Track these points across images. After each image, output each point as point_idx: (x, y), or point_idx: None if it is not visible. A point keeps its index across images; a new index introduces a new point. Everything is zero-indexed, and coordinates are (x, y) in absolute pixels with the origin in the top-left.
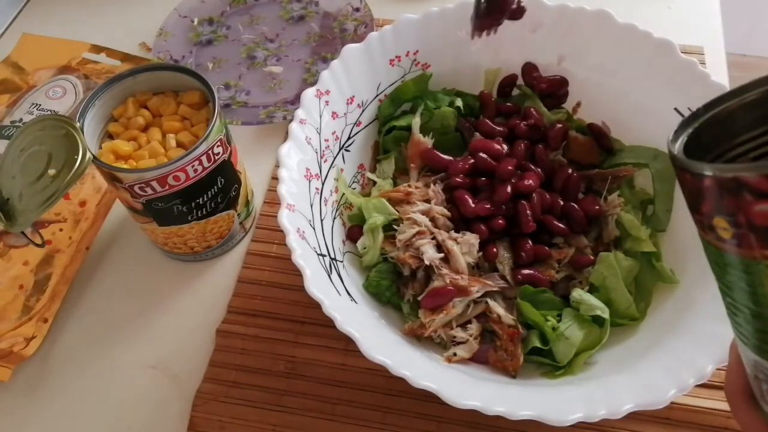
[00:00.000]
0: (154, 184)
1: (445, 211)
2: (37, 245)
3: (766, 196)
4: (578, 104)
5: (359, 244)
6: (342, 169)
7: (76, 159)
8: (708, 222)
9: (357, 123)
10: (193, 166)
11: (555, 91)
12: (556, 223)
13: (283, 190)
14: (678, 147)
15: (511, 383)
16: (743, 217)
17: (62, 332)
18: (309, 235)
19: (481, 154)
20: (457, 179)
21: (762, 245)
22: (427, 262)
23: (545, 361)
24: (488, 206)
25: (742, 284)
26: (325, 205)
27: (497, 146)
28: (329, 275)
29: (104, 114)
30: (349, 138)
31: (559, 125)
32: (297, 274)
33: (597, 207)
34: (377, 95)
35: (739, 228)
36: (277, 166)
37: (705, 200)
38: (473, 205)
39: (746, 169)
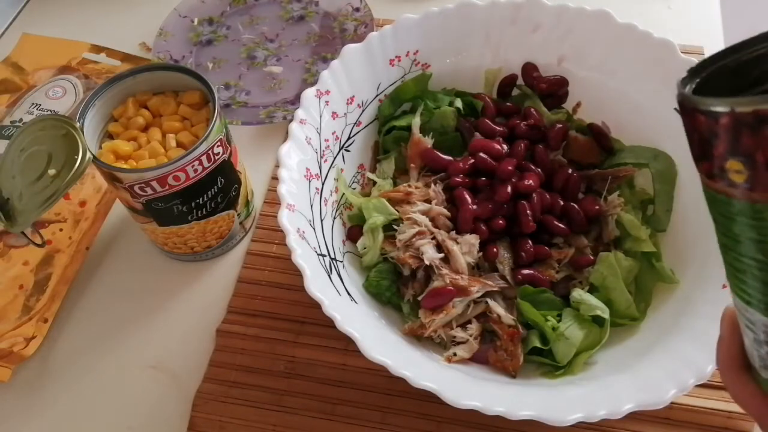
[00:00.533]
0: (154, 184)
1: (445, 211)
2: (37, 245)
3: None
4: (578, 104)
5: (359, 244)
6: (342, 169)
7: (76, 159)
8: (720, 166)
9: (357, 123)
10: (193, 166)
11: (555, 91)
12: (556, 223)
13: (283, 190)
14: (687, 90)
15: (511, 383)
16: (762, 155)
17: (62, 332)
18: (309, 235)
19: (481, 154)
20: (457, 179)
21: None
22: (427, 262)
23: (545, 361)
24: (489, 206)
25: (752, 233)
26: (325, 205)
27: (497, 146)
28: (329, 275)
29: (104, 114)
30: (349, 138)
31: (559, 125)
32: (297, 274)
33: (597, 207)
34: (377, 95)
35: (755, 169)
36: (277, 166)
37: (719, 142)
38: (473, 207)
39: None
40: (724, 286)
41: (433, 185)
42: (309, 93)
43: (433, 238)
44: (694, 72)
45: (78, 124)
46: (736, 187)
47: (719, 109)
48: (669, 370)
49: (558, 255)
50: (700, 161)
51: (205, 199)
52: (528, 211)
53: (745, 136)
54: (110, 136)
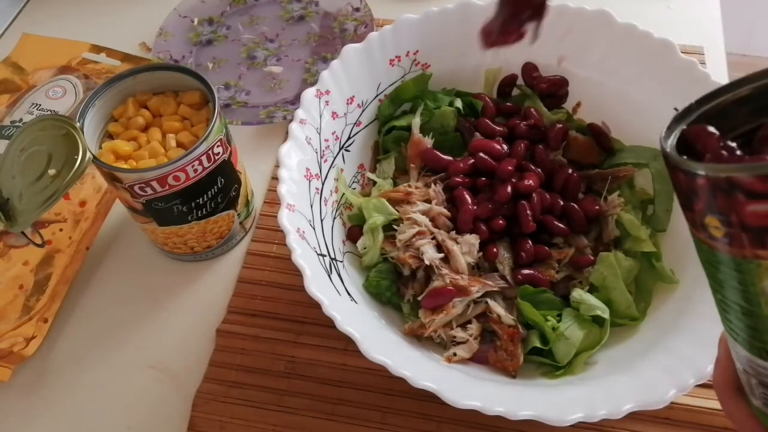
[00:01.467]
0: (154, 184)
1: (445, 211)
2: (37, 245)
3: (759, 196)
4: (578, 104)
5: (359, 244)
6: (342, 169)
7: (76, 159)
8: (700, 220)
9: (357, 123)
10: (193, 166)
11: (555, 91)
12: (556, 223)
13: (283, 190)
14: (671, 143)
15: (511, 383)
16: (735, 217)
17: (62, 332)
18: (309, 235)
19: (481, 154)
20: (457, 179)
21: (754, 245)
22: (427, 262)
23: (545, 361)
24: (489, 206)
25: (734, 282)
26: (325, 205)
27: (497, 146)
28: (329, 275)
29: (104, 114)
30: (349, 138)
31: (559, 125)
32: (297, 274)
33: (597, 207)
34: (377, 95)
35: (731, 227)
36: (277, 166)
37: (697, 199)
38: (473, 207)
39: (739, 170)
40: None
41: (433, 185)
42: (309, 93)
43: (433, 238)
44: (679, 118)
45: (78, 124)
46: (717, 240)
47: (697, 171)
48: (669, 370)
49: (558, 255)
50: (685, 211)
51: (205, 199)
52: (528, 211)
53: (720, 198)
54: (110, 136)
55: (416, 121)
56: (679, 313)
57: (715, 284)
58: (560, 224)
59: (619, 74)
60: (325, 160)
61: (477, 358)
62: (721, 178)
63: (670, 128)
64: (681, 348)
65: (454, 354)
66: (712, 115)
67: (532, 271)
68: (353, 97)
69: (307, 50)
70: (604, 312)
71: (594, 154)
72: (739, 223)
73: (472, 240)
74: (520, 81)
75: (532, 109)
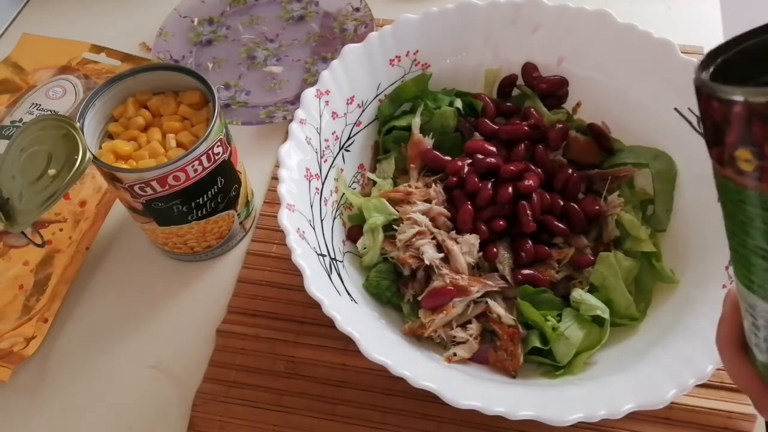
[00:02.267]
0: (154, 184)
1: (445, 211)
2: (37, 245)
3: None
4: (578, 104)
5: (359, 244)
6: (342, 169)
7: (76, 159)
8: (729, 153)
9: (357, 123)
10: (193, 166)
11: (555, 91)
12: (556, 223)
13: (283, 190)
14: (705, 76)
15: (511, 383)
16: None
17: (62, 332)
18: (309, 235)
19: (478, 155)
20: (455, 179)
21: None
22: (427, 262)
23: (545, 361)
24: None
25: (759, 222)
26: (325, 205)
27: (491, 147)
28: (329, 275)
29: (104, 114)
30: (349, 138)
31: (559, 125)
32: (297, 274)
33: (597, 207)
34: (377, 95)
35: (764, 160)
36: (277, 166)
37: (730, 129)
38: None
39: None
40: (723, 286)
41: (433, 185)
42: (309, 93)
43: (433, 238)
44: (713, 55)
45: (78, 124)
46: (745, 175)
47: (733, 97)
48: (669, 370)
49: (558, 255)
50: (712, 147)
51: (205, 199)
52: (528, 211)
53: (757, 126)
54: (110, 136)
55: (416, 121)
56: (679, 313)
57: (735, 227)
58: (560, 224)
59: (619, 74)
60: (325, 160)
61: (477, 358)
62: (761, 102)
63: (704, 63)
64: (681, 348)
65: (454, 354)
66: (749, 53)
67: (532, 271)
68: (353, 97)
69: (307, 50)
70: (604, 312)
71: (594, 154)
72: None
73: (472, 240)
74: (520, 81)
75: (532, 109)
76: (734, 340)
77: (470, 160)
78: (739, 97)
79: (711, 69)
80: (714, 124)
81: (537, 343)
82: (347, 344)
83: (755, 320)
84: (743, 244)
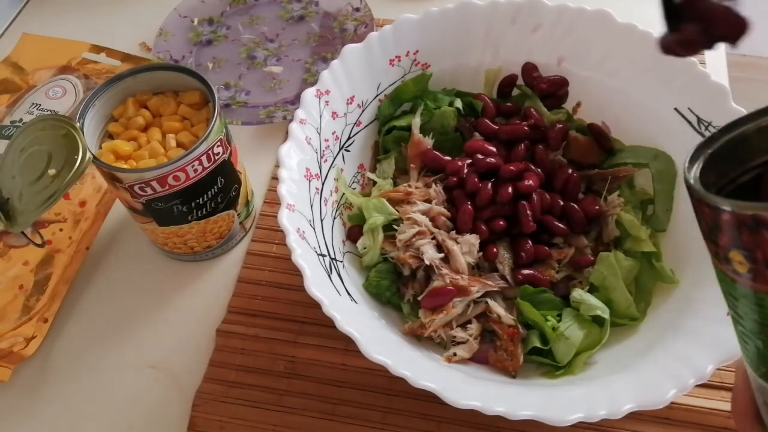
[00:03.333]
0: (154, 184)
1: (445, 211)
2: (37, 245)
3: None
4: (578, 104)
5: (359, 244)
6: (342, 169)
7: (76, 159)
8: (724, 254)
9: (357, 123)
10: (193, 166)
11: (555, 91)
12: (556, 223)
13: (283, 190)
14: (694, 174)
15: (511, 383)
16: (761, 254)
17: (62, 332)
18: (309, 235)
19: (478, 155)
20: (455, 179)
21: None
22: (427, 262)
23: (545, 361)
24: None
25: (755, 317)
26: (325, 205)
27: (491, 147)
28: (329, 275)
29: (104, 114)
30: (349, 138)
31: (559, 125)
32: (297, 274)
33: (597, 207)
34: (377, 95)
35: (756, 264)
36: (277, 166)
37: (722, 233)
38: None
39: (766, 208)
40: None
41: (433, 185)
42: (309, 93)
43: (433, 238)
44: (702, 146)
45: (78, 124)
46: (740, 275)
47: (722, 207)
48: (669, 370)
49: (558, 255)
50: (708, 241)
51: (205, 199)
52: (528, 211)
53: (746, 235)
54: (110, 136)
55: (416, 121)
56: (679, 313)
57: (736, 316)
58: (560, 224)
59: (619, 74)
60: (325, 160)
61: (477, 358)
62: (747, 215)
63: (693, 158)
64: (681, 348)
65: (454, 354)
66: (735, 144)
67: (532, 271)
68: (353, 97)
69: (307, 50)
70: (604, 312)
71: (594, 154)
72: (764, 260)
73: (472, 240)
74: (520, 81)
75: (532, 109)
76: (749, 412)
77: (470, 160)
78: (727, 208)
79: (701, 163)
80: (707, 225)
81: (537, 343)
82: (347, 344)
83: (765, 399)
84: (743, 331)
